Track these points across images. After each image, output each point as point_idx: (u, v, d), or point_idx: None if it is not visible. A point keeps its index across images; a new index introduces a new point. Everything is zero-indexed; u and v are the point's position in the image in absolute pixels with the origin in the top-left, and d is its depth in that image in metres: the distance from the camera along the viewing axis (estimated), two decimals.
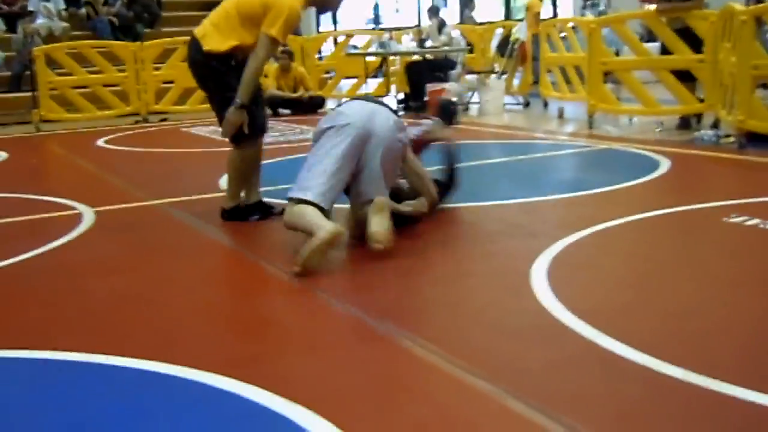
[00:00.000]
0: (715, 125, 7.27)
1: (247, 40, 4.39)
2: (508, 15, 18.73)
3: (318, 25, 18.40)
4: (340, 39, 14.05)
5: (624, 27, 8.40)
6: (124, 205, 5.25)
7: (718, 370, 2.37)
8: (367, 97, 4.72)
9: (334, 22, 18.89)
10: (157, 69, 11.18)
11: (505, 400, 2.28)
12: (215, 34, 4.46)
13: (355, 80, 12.84)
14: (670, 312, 2.96)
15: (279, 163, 6.32)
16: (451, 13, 18.20)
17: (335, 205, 3.85)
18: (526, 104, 10.89)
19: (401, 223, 4.10)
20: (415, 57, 11.30)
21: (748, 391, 2.23)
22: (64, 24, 12.90)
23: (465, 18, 14.64)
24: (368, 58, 12.31)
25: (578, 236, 3.96)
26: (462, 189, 4.76)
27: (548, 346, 2.67)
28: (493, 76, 11.07)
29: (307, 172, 3.83)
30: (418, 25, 14.97)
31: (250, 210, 4.64)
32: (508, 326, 2.91)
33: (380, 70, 12.65)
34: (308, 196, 3.72)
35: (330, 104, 12.41)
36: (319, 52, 14.49)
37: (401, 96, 11.55)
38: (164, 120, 11.02)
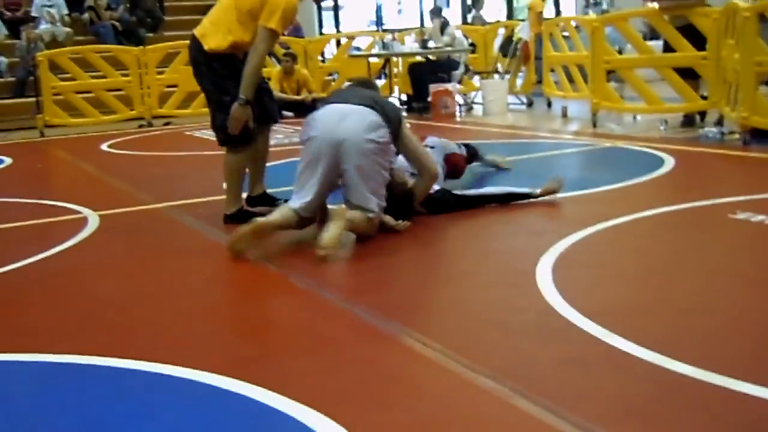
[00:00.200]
0: (719, 122, 7.25)
1: (245, 37, 4.40)
2: (510, 15, 18.70)
3: (321, 27, 18.41)
4: (343, 41, 14.05)
5: (627, 25, 8.38)
6: (128, 209, 5.26)
7: (727, 367, 2.35)
8: (350, 89, 4.61)
9: (337, 24, 18.90)
10: (160, 73, 11.20)
11: (512, 399, 2.27)
12: (214, 32, 4.47)
13: None
14: (677, 309, 2.95)
15: (282, 165, 6.31)
16: (453, 14, 18.20)
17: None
18: (530, 104, 10.88)
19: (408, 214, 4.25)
20: (418, 58, 11.29)
21: (759, 388, 2.22)
22: (67, 29, 12.92)
23: (473, 18, 14.62)
24: (371, 60, 12.31)
25: (583, 234, 3.95)
26: (466, 188, 4.77)
27: (554, 344, 2.66)
28: (497, 76, 11.06)
29: (295, 182, 4.10)
30: (421, 26, 14.95)
31: (254, 203, 4.72)
32: (514, 325, 2.91)
33: (383, 71, 12.64)
34: (294, 206, 4.03)
35: None
36: (322, 54, 14.49)
37: (404, 97, 11.55)
38: (168, 124, 11.04)
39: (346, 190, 4.03)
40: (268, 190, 4.85)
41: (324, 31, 18.29)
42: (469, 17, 15.05)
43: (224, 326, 3.14)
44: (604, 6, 15.31)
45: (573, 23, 9.82)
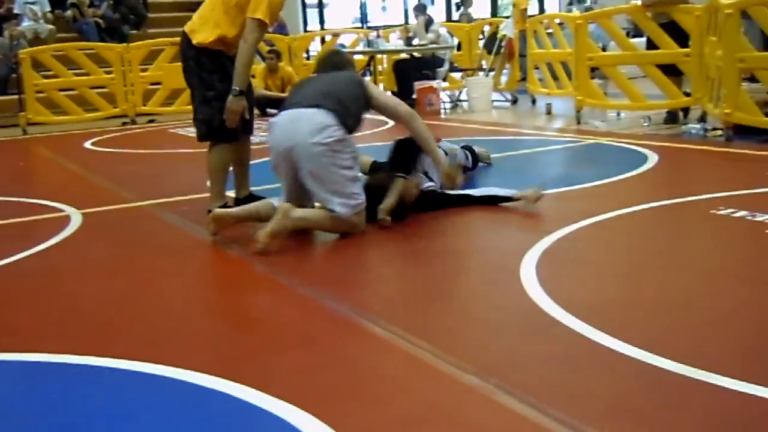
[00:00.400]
0: (702, 119, 7.30)
1: (232, 30, 4.43)
2: (495, 12, 18.73)
3: (305, 24, 18.36)
4: (328, 38, 14.03)
5: (610, 22, 8.42)
6: (111, 207, 5.23)
7: (709, 362, 2.37)
8: (310, 81, 4.51)
9: (321, 21, 18.87)
10: (144, 70, 11.14)
11: (496, 396, 2.28)
12: (202, 27, 4.52)
13: None
14: (660, 305, 2.97)
15: (265, 163, 6.28)
16: (438, 11, 18.19)
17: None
18: (514, 101, 10.90)
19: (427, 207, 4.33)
20: (403, 55, 11.28)
21: (740, 382, 2.23)
22: (50, 26, 12.83)
23: (461, 15, 14.61)
24: (356, 57, 12.28)
25: (567, 231, 3.97)
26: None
27: (539, 341, 2.67)
28: (481, 73, 11.07)
29: None
30: (405, 23, 14.94)
31: (240, 205, 4.68)
32: (498, 322, 2.91)
33: (368, 68, 12.63)
34: (275, 203, 4.09)
35: None
36: (307, 51, 14.45)
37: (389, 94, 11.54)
38: (152, 121, 10.98)
39: (310, 193, 4.08)
40: (252, 188, 4.85)
41: (309, 28, 18.24)
42: (457, 14, 15.04)
43: (208, 324, 3.12)
44: (588, 3, 15.34)
45: (557, 20, 9.84)
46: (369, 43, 12.01)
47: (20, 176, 7.41)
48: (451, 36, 12.10)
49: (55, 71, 10.81)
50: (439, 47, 10.92)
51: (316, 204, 4.12)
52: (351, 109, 4.12)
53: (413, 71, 10.65)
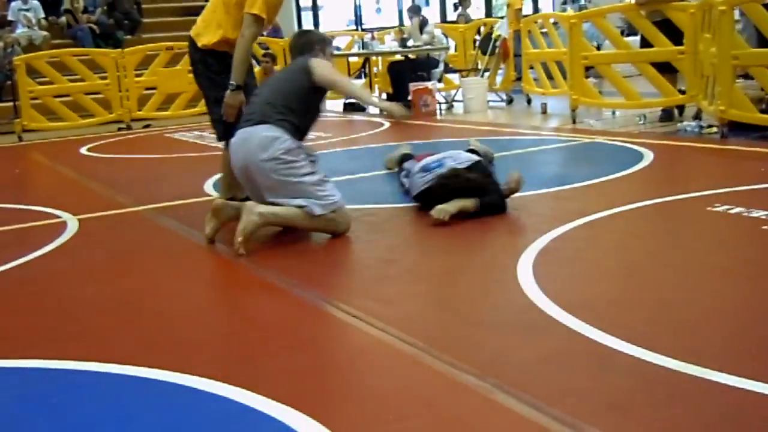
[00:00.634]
0: (698, 116, 7.31)
1: (234, 32, 4.50)
2: (489, 12, 18.76)
3: (300, 26, 18.38)
4: None
5: (604, 21, 8.42)
6: (107, 212, 5.22)
7: (704, 358, 2.37)
8: (266, 86, 4.43)
9: (316, 23, 18.88)
10: (139, 75, 11.14)
11: (494, 395, 2.28)
12: (206, 30, 4.64)
13: None
14: (657, 302, 2.97)
15: None
16: (432, 12, 18.21)
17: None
18: (510, 101, 10.90)
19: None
20: (398, 57, 11.29)
21: (735, 378, 2.24)
22: (44, 33, 12.81)
23: (458, 15, 14.62)
24: (351, 59, 12.30)
25: (564, 229, 3.97)
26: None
27: (535, 339, 2.67)
28: (476, 73, 11.08)
29: None
30: (400, 25, 14.95)
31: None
32: (495, 320, 2.92)
33: (363, 70, 12.64)
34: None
35: None
36: None
37: (384, 96, 11.55)
38: (147, 126, 10.98)
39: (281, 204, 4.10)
40: None
41: None
42: (455, 15, 15.06)
43: (204, 328, 3.12)
44: (582, 2, 15.36)
45: (551, 20, 9.85)
46: (364, 45, 12.02)
47: (16, 183, 7.41)
48: (446, 37, 12.11)
49: (49, 77, 10.80)
50: (433, 48, 10.93)
51: None
52: (298, 109, 4.08)
53: (408, 73, 10.66)
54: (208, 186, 5.74)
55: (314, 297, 3.29)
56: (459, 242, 4.03)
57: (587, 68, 8.47)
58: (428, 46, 10.86)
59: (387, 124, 9.42)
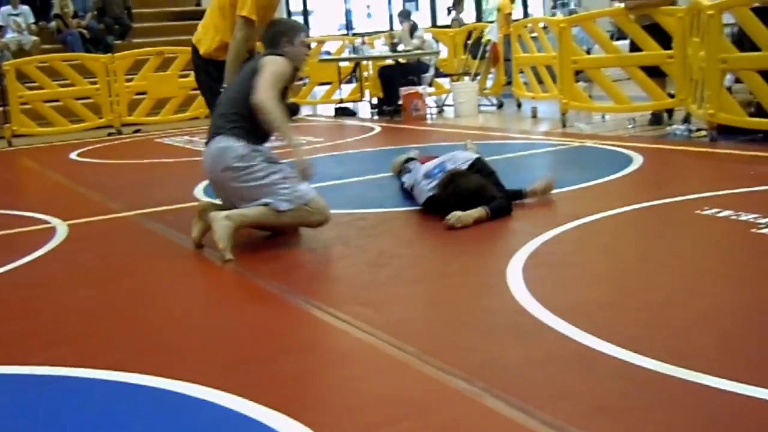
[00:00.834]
0: (687, 120, 7.34)
1: (231, 37, 4.56)
2: (479, 17, 18.80)
3: None
4: (313, 45, 14.03)
5: (593, 25, 8.45)
6: (97, 218, 5.21)
7: (694, 361, 2.38)
8: (226, 92, 4.35)
9: (306, 28, 18.87)
10: (129, 80, 11.12)
11: (483, 399, 2.28)
12: (205, 35, 4.72)
13: (328, 86, 12.85)
14: (646, 305, 2.98)
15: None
16: (422, 17, 18.23)
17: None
18: (500, 105, 10.93)
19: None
20: (388, 61, 11.30)
21: (724, 381, 2.24)
22: (34, 38, 12.78)
23: (452, 20, 14.66)
24: (341, 64, 12.31)
25: (554, 233, 3.98)
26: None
27: (525, 343, 2.68)
28: (466, 78, 11.10)
29: None
30: (390, 30, 14.97)
31: None
32: (485, 324, 2.92)
33: (353, 75, 12.65)
34: None
35: (305, 111, 12.41)
36: None
37: (375, 100, 11.56)
38: (138, 131, 10.96)
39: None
40: None
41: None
42: (449, 19, 15.09)
43: (196, 334, 3.11)
44: (572, 6, 15.42)
45: (541, 24, 9.88)
46: (354, 50, 12.03)
47: (5, 188, 7.38)
48: (436, 41, 12.13)
49: (39, 82, 10.78)
50: (424, 53, 10.95)
51: None
52: (250, 114, 4.02)
53: (399, 77, 10.67)
54: (198, 191, 5.73)
55: (304, 302, 3.29)
56: (449, 246, 4.04)
57: (577, 72, 8.49)
58: (418, 51, 10.88)
59: (378, 129, 9.43)
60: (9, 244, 4.77)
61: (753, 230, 3.79)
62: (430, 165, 4.73)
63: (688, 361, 2.38)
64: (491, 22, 12.42)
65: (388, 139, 8.46)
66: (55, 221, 5.10)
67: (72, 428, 2.31)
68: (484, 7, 19.62)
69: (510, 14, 11.89)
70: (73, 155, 8.83)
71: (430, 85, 11.45)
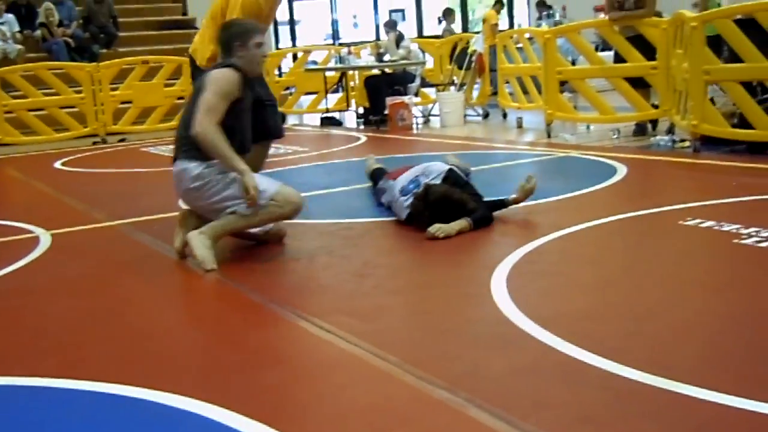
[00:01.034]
0: (671, 130, 7.39)
1: None
2: (465, 27, 18.87)
3: (277, 41, 18.40)
4: (300, 55, 14.05)
5: (578, 36, 8.50)
6: (81, 227, 5.18)
7: (677, 372, 2.39)
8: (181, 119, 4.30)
9: (293, 38, 18.91)
10: (114, 89, 11.09)
11: (466, 409, 2.28)
12: (201, 44, 4.74)
13: (314, 96, 12.86)
14: (629, 316, 2.99)
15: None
16: (409, 27, 18.29)
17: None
18: (486, 115, 10.97)
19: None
20: (374, 71, 11.33)
21: (707, 391, 2.26)
22: (19, 46, 12.73)
23: (444, 30, 14.72)
24: (327, 73, 12.32)
25: (538, 243, 3.99)
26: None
27: (508, 353, 2.68)
28: (452, 88, 11.14)
29: None
30: (377, 40, 15.00)
31: None
32: (468, 334, 2.92)
33: (340, 84, 12.67)
34: None
35: (291, 120, 12.41)
36: (279, 68, 14.47)
37: (361, 110, 11.57)
38: (123, 140, 10.93)
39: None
40: None
41: (280, 45, 18.29)
42: (440, 29, 15.16)
43: (178, 344, 3.10)
44: (557, 17, 15.50)
45: (526, 35, 9.93)
46: (340, 60, 12.05)
47: None
48: (422, 52, 12.17)
49: (24, 91, 10.74)
50: (410, 63, 10.98)
51: None
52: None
53: (385, 87, 10.69)
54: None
55: (288, 312, 3.29)
56: (433, 256, 4.04)
57: (562, 83, 8.54)
58: (404, 61, 10.91)
59: (364, 138, 9.44)
60: None
61: (735, 241, 3.82)
62: (404, 180, 4.71)
63: (671, 371, 2.39)
64: (477, 32, 12.48)
65: (373, 149, 8.45)
66: (38, 231, 5.07)
67: None
68: (470, 17, 19.71)
69: (496, 25, 11.96)
70: (57, 164, 8.79)
71: (416, 95, 11.48)
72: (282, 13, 18.50)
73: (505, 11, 17.41)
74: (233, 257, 4.19)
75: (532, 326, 2.86)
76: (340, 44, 16.33)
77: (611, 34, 7.84)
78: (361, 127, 10.96)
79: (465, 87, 11.18)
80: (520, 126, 9.52)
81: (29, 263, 4.33)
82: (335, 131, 10.85)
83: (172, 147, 4.37)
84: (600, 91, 8.53)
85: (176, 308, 3.67)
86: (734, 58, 6.40)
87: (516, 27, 17.67)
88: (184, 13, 15.59)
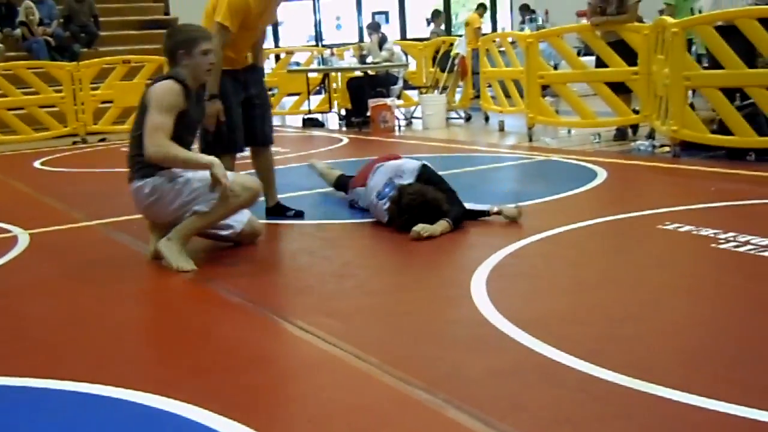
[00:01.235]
0: (651, 135, 7.44)
1: None
2: (448, 30, 18.92)
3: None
4: (282, 56, 14.04)
5: (560, 41, 8.55)
6: (60, 227, 5.15)
7: (654, 374, 2.41)
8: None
9: (276, 39, 18.87)
10: (95, 89, 11.03)
11: (444, 410, 2.29)
12: None
13: (297, 97, 12.84)
14: (607, 318, 3.01)
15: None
16: (392, 29, 18.31)
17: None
18: (468, 118, 11.00)
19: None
20: (357, 73, 11.33)
21: (684, 394, 2.27)
22: None
23: (431, 33, 14.75)
24: (310, 75, 12.32)
25: (518, 246, 4.01)
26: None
27: (487, 355, 2.69)
28: (435, 90, 11.16)
29: None
30: (360, 41, 15.01)
31: (269, 213, 5.00)
32: (448, 336, 2.93)
33: (322, 86, 12.66)
34: None
35: (273, 121, 12.36)
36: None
37: (343, 112, 11.57)
38: (103, 140, 10.86)
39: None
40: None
41: (263, 46, 18.23)
42: (428, 32, 15.20)
43: (157, 344, 3.09)
44: (540, 22, 15.57)
45: (509, 39, 9.98)
46: (323, 61, 12.05)
47: None
48: (405, 54, 12.19)
49: (3, 90, 10.65)
50: (392, 65, 10.99)
51: None
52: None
53: (367, 89, 10.70)
54: None
55: (267, 312, 3.28)
56: (413, 258, 4.05)
57: (544, 87, 8.58)
58: (387, 63, 10.92)
59: (346, 140, 9.44)
60: None
61: (713, 245, 3.85)
62: (378, 184, 4.69)
63: (647, 373, 2.41)
64: (460, 35, 12.52)
65: (355, 151, 8.46)
66: (16, 230, 5.03)
67: None
68: (453, 21, 19.76)
69: (479, 28, 12.01)
70: (36, 164, 8.72)
71: (399, 97, 11.49)
72: None
73: (488, 15, 17.46)
74: (213, 258, 4.18)
75: (511, 328, 2.87)
76: (323, 46, 16.33)
77: (593, 39, 7.89)
78: (344, 128, 10.96)
79: (447, 90, 11.21)
80: (501, 129, 9.55)
81: (7, 263, 4.30)
82: (317, 132, 10.84)
83: None
84: (581, 96, 8.58)
85: (155, 309, 3.66)
86: (715, 64, 6.45)
87: (499, 30, 17.73)
88: (166, 13, 15.54)
